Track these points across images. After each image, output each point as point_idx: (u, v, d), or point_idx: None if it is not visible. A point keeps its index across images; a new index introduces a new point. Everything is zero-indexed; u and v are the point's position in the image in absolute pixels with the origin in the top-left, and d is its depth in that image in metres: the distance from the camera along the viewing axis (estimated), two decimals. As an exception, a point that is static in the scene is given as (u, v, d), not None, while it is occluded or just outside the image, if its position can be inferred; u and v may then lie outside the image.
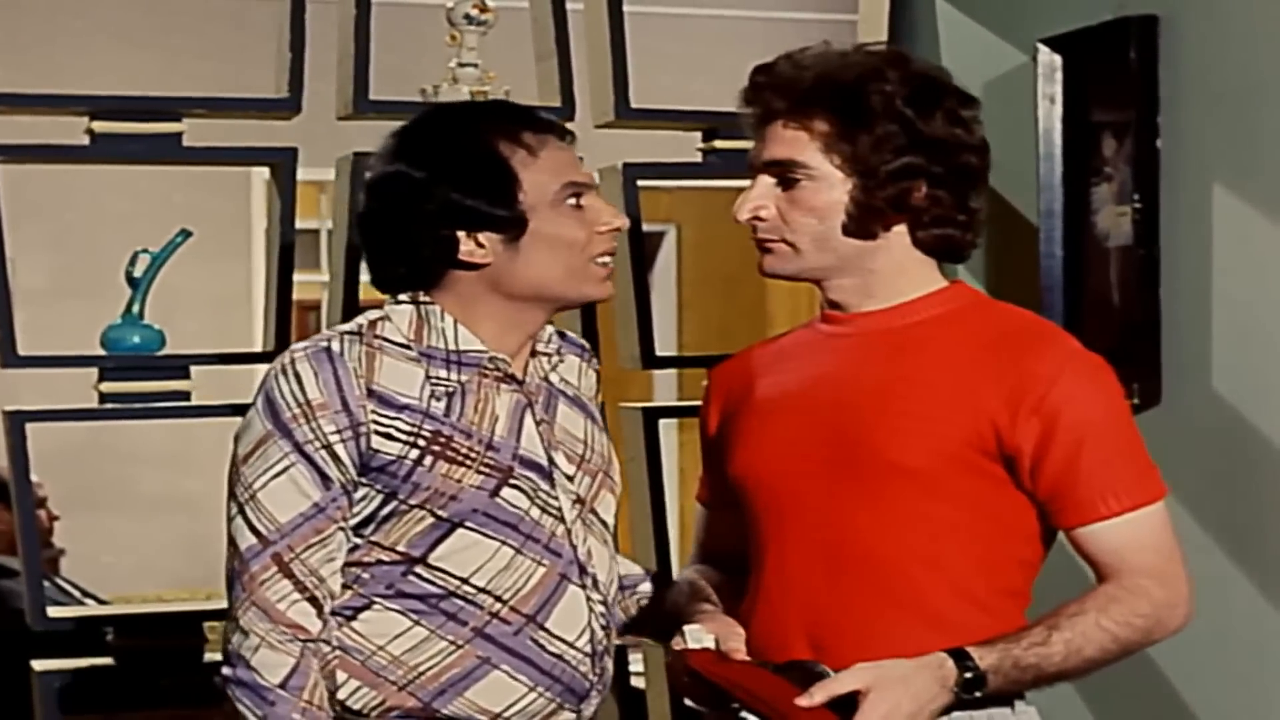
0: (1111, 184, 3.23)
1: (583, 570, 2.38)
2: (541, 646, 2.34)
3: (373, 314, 2.41)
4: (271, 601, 2.29)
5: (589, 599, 2.38)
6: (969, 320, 2.43)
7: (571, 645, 2.36)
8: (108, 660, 3.55)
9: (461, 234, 2.35)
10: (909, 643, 2.30)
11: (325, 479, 2.30)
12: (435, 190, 2.34)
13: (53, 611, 3.57)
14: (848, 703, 2.22)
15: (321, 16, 3.62)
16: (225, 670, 2.32)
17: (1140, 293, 3.15)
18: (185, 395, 3.55)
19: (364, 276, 3.15)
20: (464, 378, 2.36)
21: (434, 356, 2.36)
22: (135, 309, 3.63)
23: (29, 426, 3.46)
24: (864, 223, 2.39)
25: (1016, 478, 2.36)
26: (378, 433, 2.30)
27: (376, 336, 2.36)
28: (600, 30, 3.72)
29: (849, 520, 2.36)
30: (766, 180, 2.43)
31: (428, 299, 2.39)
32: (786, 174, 2.41)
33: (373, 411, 2.30)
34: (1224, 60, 3.06)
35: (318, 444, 2.30)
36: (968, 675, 2.25)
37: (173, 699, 3.54)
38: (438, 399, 2.34)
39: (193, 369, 3.56)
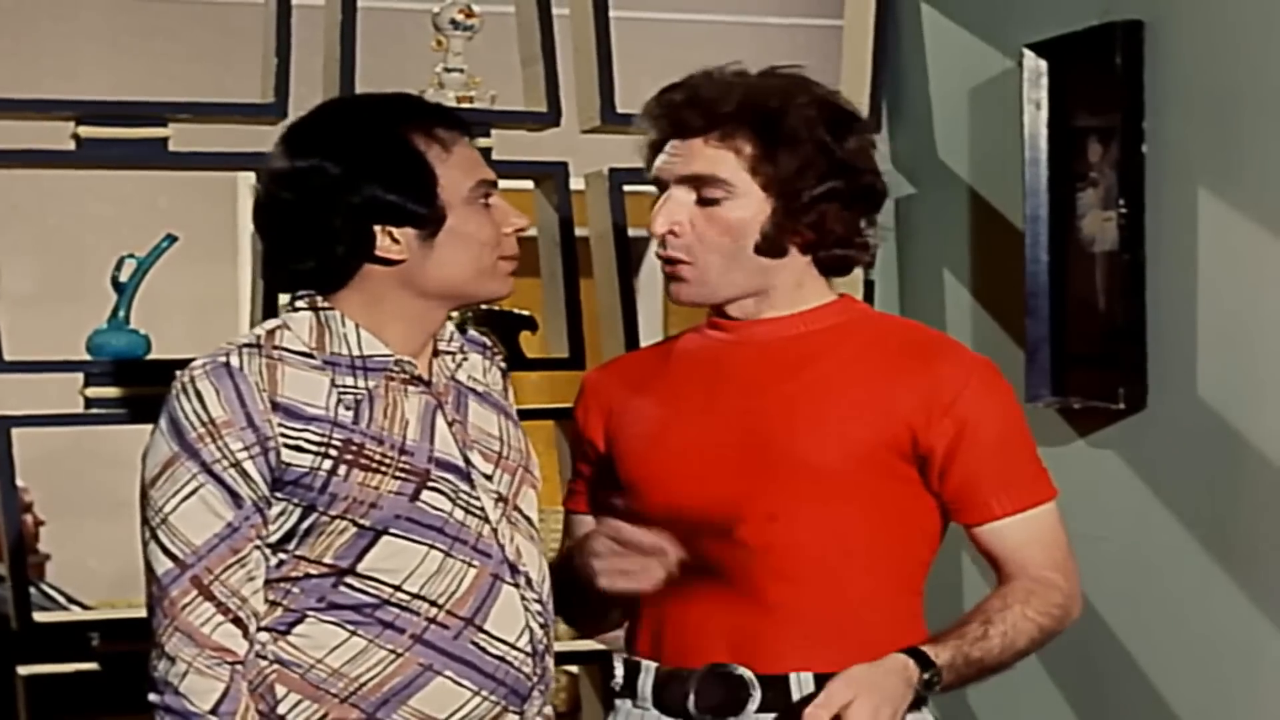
0: (1097, 189, 3.24)
1: (514, 569, 2.35)
2: (483, 649, 2.31)
3: (270, 323, 2.36)
4: (195, 626, 2.26)
5: (523, 598, 2.35)
6: (864, 330, 2.49)
7: (512, 646, 2.33)
8: (93, 665, 3.53)
9: (378, 229, 2.31)
10: (826, 643, 2.37)
11: (237, 498, 2.26)
12: (356, 185, 2.30)
13: (38, 616, 3.56)
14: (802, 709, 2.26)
15: (307, 21, 3.62)
16: (152, 697, 2.29)
17: (1125, 298, 3.16)
18: (171, 400, 3.53)
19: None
20: (371, 384, 2.32)
21: (338, 364, 2.31)
22: (121, 314, 3.61)
23: (14, 431, 3.46)
24: (778, 242, 2.43)
25: (925, 478, 2.44)
26: (287, 446, 2.26)
27: (276, 347, 2.31)
28: (586, 35, 3.72)
29: (764, 524, 2.41)
30: (682, 194, 2.44)
31: (326, 305, 2.35)
32: (707, 190, 2.42)
33: (279, 425, 2.26)
34: (1209, 65, 3.06)
35: (226, 463, 2.26)
36: (926, 675, 2.31)
37: (158, 704, 3.52)
38: (346, 407, 2.30)
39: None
